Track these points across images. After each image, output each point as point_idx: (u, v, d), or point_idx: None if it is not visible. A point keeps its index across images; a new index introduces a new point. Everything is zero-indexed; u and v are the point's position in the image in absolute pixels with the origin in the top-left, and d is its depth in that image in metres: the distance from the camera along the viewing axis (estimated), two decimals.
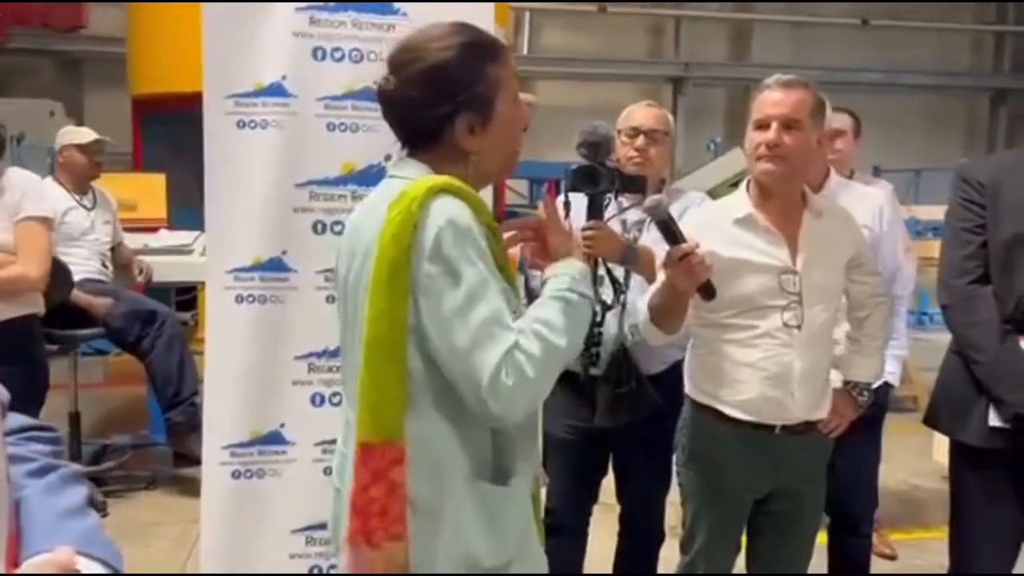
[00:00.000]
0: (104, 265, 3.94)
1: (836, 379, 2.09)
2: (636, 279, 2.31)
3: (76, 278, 3.52)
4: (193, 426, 3.44)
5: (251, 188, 2.29)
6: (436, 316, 1.26)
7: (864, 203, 2.47)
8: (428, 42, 1.36)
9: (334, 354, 2.14)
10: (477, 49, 1.37)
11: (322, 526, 1.96)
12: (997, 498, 2.06)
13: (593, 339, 2.29)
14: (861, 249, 2.03)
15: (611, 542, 2.62)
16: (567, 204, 2.31)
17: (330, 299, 2.11)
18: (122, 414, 4.95)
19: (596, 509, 2.58)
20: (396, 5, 2.33)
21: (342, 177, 2.30)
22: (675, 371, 2.27)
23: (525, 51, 11.00)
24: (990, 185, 2.03)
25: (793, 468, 1.99)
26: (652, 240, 2.16)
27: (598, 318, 2.29)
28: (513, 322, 1.28)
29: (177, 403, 3.71)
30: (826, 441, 2.06)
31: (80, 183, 3.93)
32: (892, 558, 3.39)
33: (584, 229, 2.22)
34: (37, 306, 2.92)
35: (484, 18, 2.28)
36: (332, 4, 2.31)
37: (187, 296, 4.99)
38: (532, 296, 1.61)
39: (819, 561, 2.59)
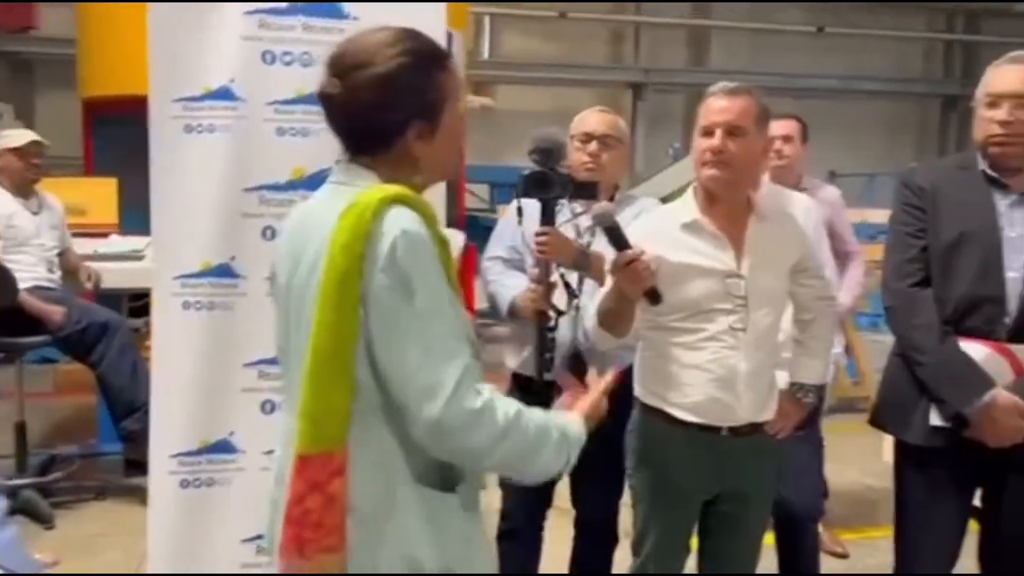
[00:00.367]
0: (51, 271, 3.86)
1: (782, 381, 2.12)
2: (590, 284, 2.32)
3: (25, 285, 3.45)
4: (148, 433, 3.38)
5: (199, 193, 2.27)
6: (390, 329, 1.25)
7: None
8: (379, 48, 1.34)
9: None
10: (428, 56, 1.37)
11: None
12: (939, 496, 2.11)
13: (547, 344, 2.30)
14: (806, 253, 2.07)
15: (566, 546, 2.62)
16: (520, 210, 2.32)
17: None
18: (71, 424, 4.85)
19: (550, 514, 2.59)
20: (347, 9, 2.32)
21: (292, 182, 2.28)
22: (627, 375, 2.28)
23: (486, 56, 11.02)
24: (930, 190, 2.08)
25: (740, 469, 2.01)
26: (605, 246, 2.17)
27: (552, 323, 2.30)
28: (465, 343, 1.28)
29: (132, 411, 3.64)
30: (772, 443, 2.08)
31: (21, 187, 3.84)
32: (844, 557, 3.45)
33: (537, 235, 2.24)
34: None
35: (436, 22, 2.30)
36: (282, 7, 2.29)
37: (140, 303, 4.89)
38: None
39: (770, 563, 2.63)
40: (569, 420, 1.41)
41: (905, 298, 2.08)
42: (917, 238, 2.08)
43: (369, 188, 1.30)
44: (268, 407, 2.33)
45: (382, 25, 1.39)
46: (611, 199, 2.42)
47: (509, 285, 2.44)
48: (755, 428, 2.00)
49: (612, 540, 2.57)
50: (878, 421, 2.24)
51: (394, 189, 1.30)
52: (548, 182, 2.24)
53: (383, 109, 1.33)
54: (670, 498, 2.04)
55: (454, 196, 5.93)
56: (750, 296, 1.93)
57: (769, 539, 2.43)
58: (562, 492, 2.56)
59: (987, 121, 2.00)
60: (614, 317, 1.94)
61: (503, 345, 2.56)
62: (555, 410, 1.45)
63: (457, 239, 3.54)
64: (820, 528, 3.50)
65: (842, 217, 3.30)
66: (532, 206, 2.30)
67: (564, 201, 2.32)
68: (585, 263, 2.29)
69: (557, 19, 11.06)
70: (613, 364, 2.36)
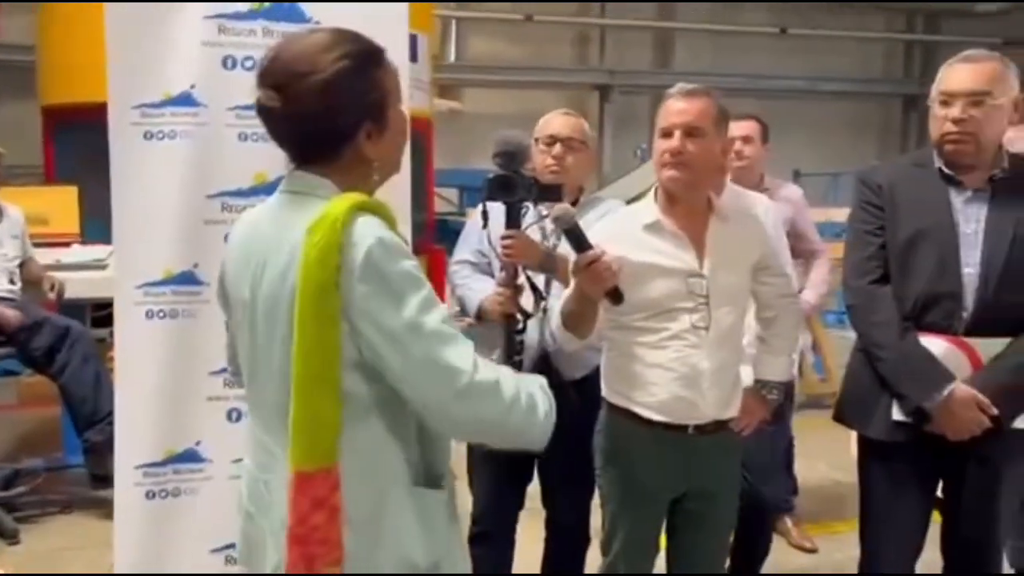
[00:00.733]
0: (12, 282, 3.79)
1: (748, 377, 2.14)
2: (557, 286, 2.33)
3: None
4: (112, 445, 3.33)
5: (160, 200, 2.24)
6: (384, 334, 1.24)
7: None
8: (316, 53, 1.31)
9: None
10: (368, 56, 1.35)
11: None
12: (902, 489, 2.14)
13: (515, 347, 2.30)
14: (767, 252, 2.09)
15: (538, 547, 2.63)
16: (485, 214, 2.32)
17: None
18: (36, 436, 4.76)
19: (522, 515, 2.59)
20: (308, 13, 2.31)
21: (254, 188, 2.27)
22: (596, 376, 2.29)
23: (452, 59, 11.02)
24: (888, 188, 2.12)
25: (706, 467, 2.03)
26: (571, 247, 2.19)
27: (520, 326, 2.30)
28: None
29: (94, 422, 3.59)
30: (738, 440, 2.10)
31: None
32: (812, 551, 3.48)
33: (502, 238, 2.24)
34: None
35: (399, 24, 2.30)
36: (242, 12, 2.28)
37: (104, 312, 4.82)
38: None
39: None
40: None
41: (865, 295, 2.11)
42: (876, 236, 2.11)
43: (332, 198, 1.29)
44: (234, 415, 2.31)
45: (310, 28, 1.38)
46: (576, 201, 2.44)
47: (476, 289, 2.44)
48: (720, 425, 2.02)
49: (584, 541, 2.58)
50: (842, 417, 2.27)
51: (358, 197, 1.29)
52: (512, 185, 2.24)
53: (331, 116, 1.31)
54: (637, 497, 2.06)
55: (423, 200, 5.93)
56: (712, 295, 1.95)
57: None
58: (533, 494, 2.57)
59: (941, 119, 2.04)
60: (577, 318, 1.95)
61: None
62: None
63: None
64: (789, 524, 3.56)
65: (805, 216, 3.34)
66: (497, 209, 2.30)
67: (530, 204, 2.32)
68: (551, 265, 2.29)
69: (523, 22, 11.09)
70: (581, 365, 2.40)
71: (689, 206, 1.99)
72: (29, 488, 3.85)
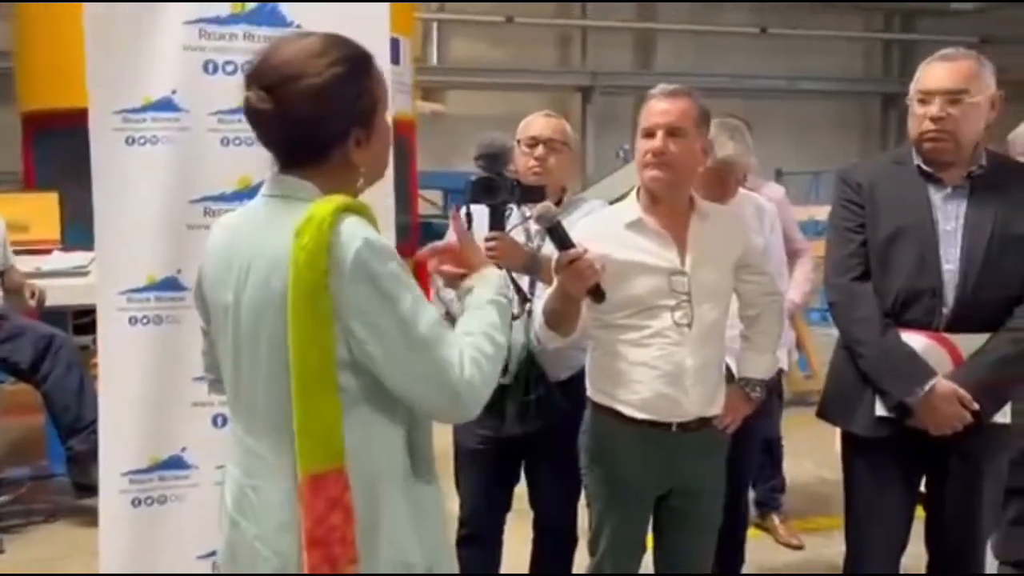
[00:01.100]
0: None
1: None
2: (541, 287, 2.33)
3: None
4: (96, 454, 3.29)
5: (143, 206, 2.23)
6: (378, 333, 1.25)
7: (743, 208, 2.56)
8: (309, 58, 1.32)
9: None
10: (359, 63, 1.36)
11: None
12: (886, 485, 2.16)
13: None
14: (748, 249, 2.10)
15: (526, 548, 2.63)
16: (469, 216, 2.32)
17: None
18: (19, 445, 4.72)
19: (509, 516, 2.59)
20: (289, 17, 2.30)
21: (238, 192, 2.25)
22: (582, 377, 2.30)
23: (434, 61, 11.02)
24: (868, 186, 2.14)
25: (691, 465, 2.04)
26: (555, 248, 2.19)
27: None
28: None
29: (78, 430, 3.57)
30: (722, 437, 2.12)
31: None
32: (799, 548, 3.50)
33: (487, 240, 2.24)
34: None
35: (380, 26, 2.29)
36: (223, 17, 2.27)
37: (86, 319, 4.78)
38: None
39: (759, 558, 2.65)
40: (482, 288, 1.44)
41: (846, 292, 2.13)
42: (856, 233, 2.13)
43: (316, 201, 1.29)
44: (220, 421, 2.29)
45: (301, 31, 1.38)
46: (559, 202, 2.44)
47: None
48: (704, 423, 2.03)
49: (572, 541, 2.58)
50: (825, 414, 2.29)
51: (342, 199, 1.30)
52: (495, 187, 2.24)
53: (321, 121, 1.32)
54: (622, 495, 2.06)
55: (407, 203, 5.92)
56: (694, 292, 1.97)
57: None
58: (521, 495, 2.57)
59: (920, 117, 2.06)
60: (559, 316, 1.96)
61: None
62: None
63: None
64: (776, 521, 3.58)
65: (788, 214, 3.36)
66: (481, 212, 2.30)
67: (513, 206, 2.33)
68: (535, 267, 2.30)
69: (504, 24, 11.10)
70: (567, 366, 2.40)
71: (671, 205, 2.00)
72: (13, 497, 3.82)
